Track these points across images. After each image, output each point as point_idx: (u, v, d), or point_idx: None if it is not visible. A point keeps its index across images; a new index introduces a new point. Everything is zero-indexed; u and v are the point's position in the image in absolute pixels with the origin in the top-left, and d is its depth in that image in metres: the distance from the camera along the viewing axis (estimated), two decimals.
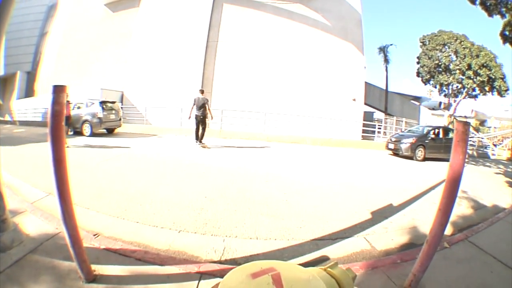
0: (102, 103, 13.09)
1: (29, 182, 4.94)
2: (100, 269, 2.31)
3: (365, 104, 20.72)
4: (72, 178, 5.05)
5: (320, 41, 18.57)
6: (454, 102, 26.31)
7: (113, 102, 14.15)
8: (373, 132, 18.07)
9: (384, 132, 18.98)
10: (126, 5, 22.87)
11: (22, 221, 3.21)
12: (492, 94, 23.82)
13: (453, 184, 2.07)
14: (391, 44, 29.70)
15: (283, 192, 4.78)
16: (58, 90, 1.86)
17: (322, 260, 2.75)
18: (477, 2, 10.37)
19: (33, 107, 24.38)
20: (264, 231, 3.19)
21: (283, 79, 18.30)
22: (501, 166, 12.44)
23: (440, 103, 29.89)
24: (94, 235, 2.94)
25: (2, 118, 32.19)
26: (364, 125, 17.57)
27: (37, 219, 3.39)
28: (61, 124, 1.90)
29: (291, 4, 19.06)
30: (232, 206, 3.92)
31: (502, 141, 23.16)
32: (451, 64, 24.20)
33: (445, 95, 26.71)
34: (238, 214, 3.65)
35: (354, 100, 17.88)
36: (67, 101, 8.86)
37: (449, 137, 12.01)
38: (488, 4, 10.20)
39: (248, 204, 4.06)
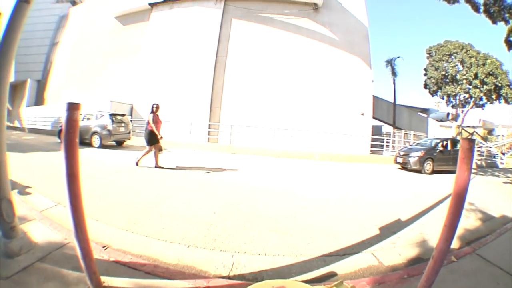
0: (112, 115, 13.20)
1: (38, 190, 5.00)
2: (109, 281, 2.33)
3: (373, 118, 20.61)
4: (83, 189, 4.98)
5: (328, 55, 18.65)
6: (462, 112, 26.17)
7: (123, 115, 14.27)
8: (382, 146, 17.89)
9: (393, 146, 18.82)
10: (136, 19, 23.23)
11: (30, 229, 3.24)
12: (499, 102, 23.68)
13: (459, 201, 2.09)
14: (398, 57, 29.68)
15: (292, 208, 4.78)
16: (72, 107, 1.93)
17: (330, 276, 2.75)
18: (481, 10, 10.40)
19: (43, 116, 24.70)
20: (273, 247, 3.19)
21: (292, 94, 18.36)
22: (510, 175, 12.36)
23: (448, 114, 29.70)
24: (103, 247, 2.98)
25: (11, 124, 32.78)
26: (372, 139, 17.49)
27: (46, 228, 3.43)
28: (75, 140, 1.96)
29: (299, 19, 19.23)
30: (241, 222, 3.94)
31: (510, 149, 22.98)
32: (457, 74, 24.16)
33: (452, 106, 26.58)
34: (247, 230, 3.66)
35: (362, 114, 17.80)
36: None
37: (457, 148, 11.94)
38: (492, 11, 10.22)
39: (257, 220, 4.07)
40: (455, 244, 3.54)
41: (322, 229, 3.92)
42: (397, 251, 3.33)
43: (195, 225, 3.77)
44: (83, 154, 10.33)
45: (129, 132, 14.26)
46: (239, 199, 5.31)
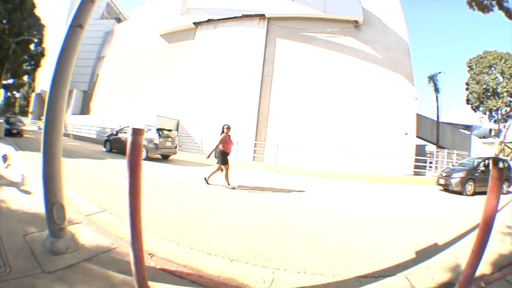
0: (159, 130, 13.65)
1: (83, 196, 5.30)
2: (155, 286, 2.46)
3: (417, 137, 19.93)
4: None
5: (371, 73, 18.33)
6: (504, 127, 24.92)
7: (170, 130, 14.78)
8: (425, 167, 16.98)
9: (436, 166, 17.90)
10: (181, 37, 24.02)
11: (78, 231, 3.44)
12: None
13: (487, 228, 2.19)
14: (439, 72, 28.62)
15: (333, 230, 4.81)
16: (137, 133, 2.16)
17: None
18: None
19: (88, 124, 26.01)
20: (312, 266, 3.24)
21: (335, 113, 18.14)
22: None
23: (491, 130, 28.30)
24: (150, 254, 3.11)
25: None
26: (415, 159, 16.82)
27: (93, 232, 3.62)
28: (139, 162, 2.20)
29: (341, 37, 19.12)
30: (284, 241, 4.00)
31: None
32: (498, 86, 23.14)
33: (495, 121, 25.43)
34: (288, 248, 3.72)
35: (406, 134, 17.22)
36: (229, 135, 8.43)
37: (499, 167, 11.36)
38: None
39: (299, 239, 4.13)
40: (487, 269, 3.43)
41: (361, 250, 3.92)
42: (430, 276, 3.26)
43: (239, 241, 3.88)
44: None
45: (176, 147, 14.65)
46: (283, 218, 5.39)
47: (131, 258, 2.23)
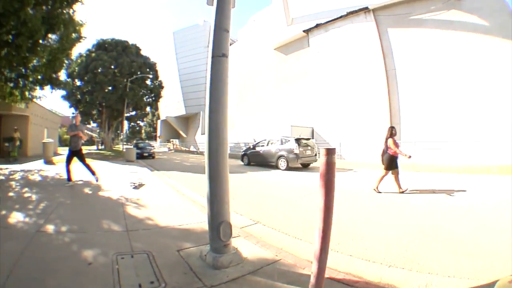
0: (297, 140, 14.33)
1: (231, 209, 5.89)
2: None
3: None
4: (278, 210, 6.18)
5: (483, 47, 16.17)
6: None
7: (308, 139, 15.45)
8: None
9: None
10: (296, 47, 25.10)
11: (238, 245, 3.59)
12: None
13: None
14: None
15: (480, 230, 4.79)
16: (329, 153, 2.40)
17: None
18: None
19: None
20: (459, 269, 3.33)
21: (454, 98, 16.66)
22: None
23: None
24: (311, 262, 3.27)
25: (187, 148, 40.09)
26: None
27: (253, 245, 3.90)
28: (333, 180, 2.40)
29: (446, 12, 17.44)
30: (434, 244, 4.12)
31: None
32: None
33: None
34: (437, 253, 3.82)
35: None
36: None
37: None
38: None
39: (448, 242, 4.21)
40: None
41: (499, 254, 3.82)
42: None
43: (394, 246, 4.05)
44: (273, 177, 11.73)
45: (315, 155, 15.11)
46: (430, 219, 5.47)
47: (313, 269, 2.42)
